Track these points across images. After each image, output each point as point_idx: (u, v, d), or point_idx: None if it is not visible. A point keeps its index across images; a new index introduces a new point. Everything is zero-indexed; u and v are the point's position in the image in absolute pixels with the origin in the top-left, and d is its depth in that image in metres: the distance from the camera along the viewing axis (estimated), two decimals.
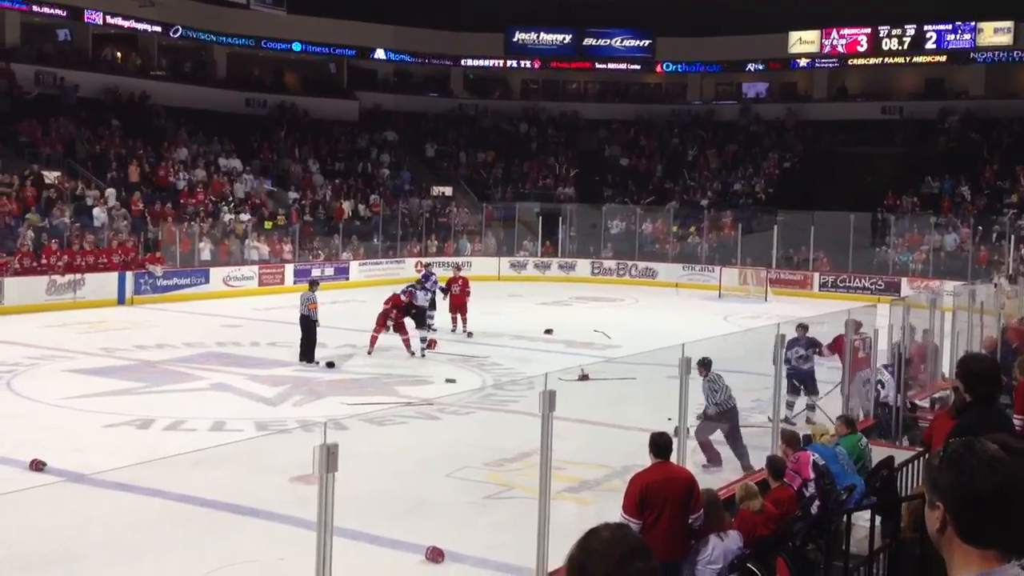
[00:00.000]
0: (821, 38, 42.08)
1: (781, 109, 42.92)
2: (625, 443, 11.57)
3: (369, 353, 17.93)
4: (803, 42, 42.49)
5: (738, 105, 44.02)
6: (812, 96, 43.32)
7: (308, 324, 17.36)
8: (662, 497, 6.50)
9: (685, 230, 36.26)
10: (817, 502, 7.75)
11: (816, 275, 32.16)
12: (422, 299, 19.76)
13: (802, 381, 13.23)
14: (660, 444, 6.78)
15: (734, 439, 10.94)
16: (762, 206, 36.54)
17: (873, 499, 8.12)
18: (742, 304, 28.21)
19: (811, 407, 13.16)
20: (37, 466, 10.30)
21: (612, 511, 6.73)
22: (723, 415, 11.13)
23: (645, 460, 6.95)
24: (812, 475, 7.85)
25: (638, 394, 14.25)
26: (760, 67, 43.63)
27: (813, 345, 13.36)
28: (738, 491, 7.37)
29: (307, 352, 17.27)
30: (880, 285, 30.56)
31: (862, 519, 7.97)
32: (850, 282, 31.44)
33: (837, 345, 13.01)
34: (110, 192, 28.84)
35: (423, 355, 17.84)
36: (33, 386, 14.90)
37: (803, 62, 42.89)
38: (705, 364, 10.88)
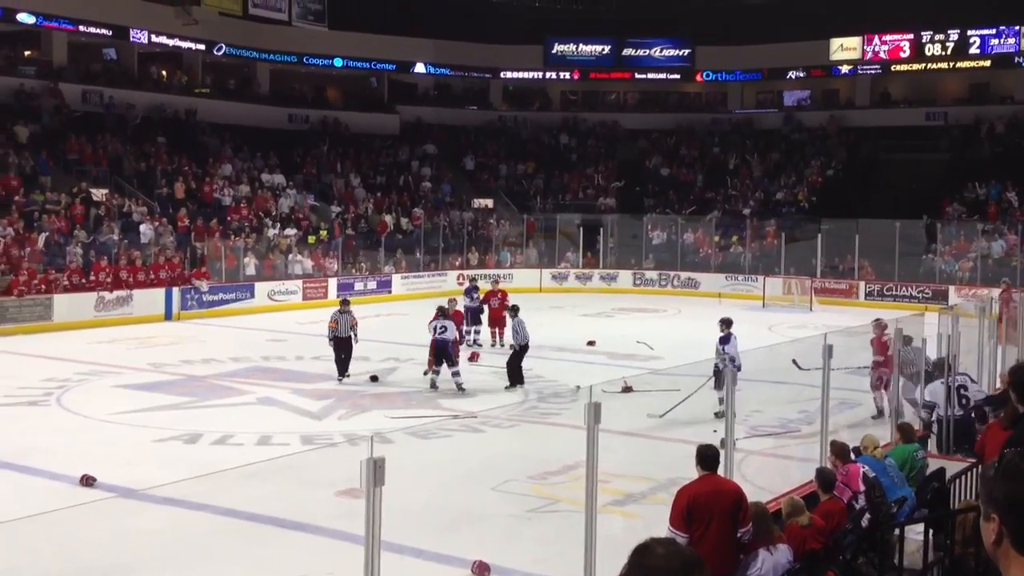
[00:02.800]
0: (863, 44, 41.67)
1: (823, 116, 42.55)
2: (670, 455, 11.50)
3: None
4: (845, 49, 42.10)
5: (779, 113, 43.73)
6: (855, 103, 42.89)
7: (345, 341, 17.28)
8: (709, 510, 6.44)
9: (727, 240, 36.00)
10: (867, 515, 7.64)
11: (862, 284, 31.77)
12: (471, 302, 21.59)
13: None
14: (707, 456, 6.72)
15: None
16: (805, 214, 36.19)
17: (925, 512, 8.00)
18: (787, 314, 27.92)
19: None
20: (87, 481, 10.44)
21: (659, 525, 6.69)
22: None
23: (691, 472, 6.89)
24: (862, 488, 7.75)
25: (682, 406, 14.16)
26: (801, 74, 43.27)
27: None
28: (784, 506, 7.28)
29: (341, 366, 17.30)
30: (927, 293, 30.14)
31: (914, 532, 7.85)
32: (897, 291, 31.03)
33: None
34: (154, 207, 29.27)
35: (462, 389, 16.37)
36: (83, 402, 15.12)
37: (845, 69, 42.48)
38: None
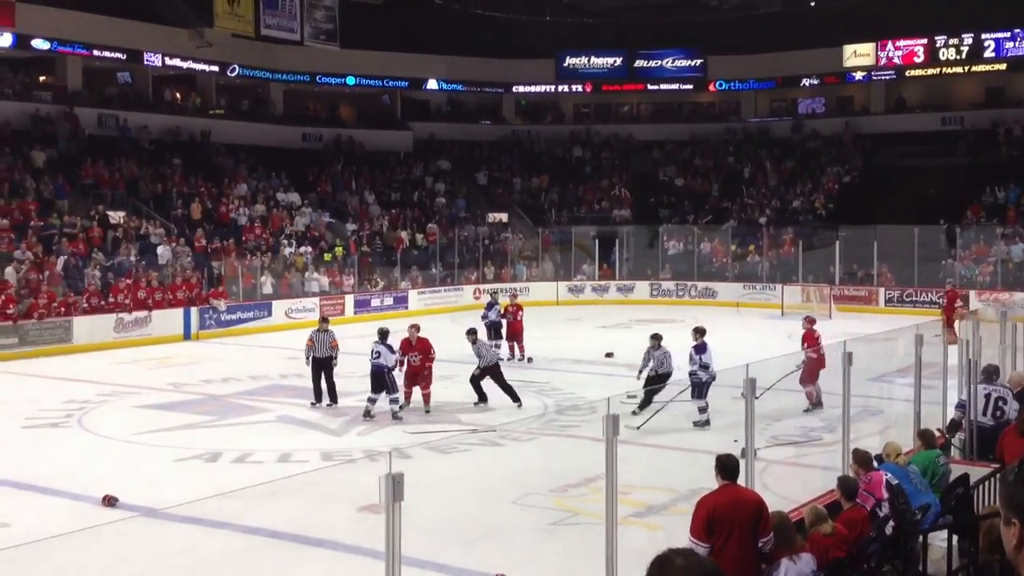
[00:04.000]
0: (877, 50, 41.59)
1: (838, 123, 42.46)
2: (691, 466, 11.46)
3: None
4: (858, 55, 42.01)
5: (794, 121, 43.64)
6: (869, 109, 42.78)
7: (327, 363, 16.28)
8: (730, 520, 6.39)
9: (744, 249, 35.90)
10: (891, 522, 7.58)
11: (881, 290, 31.60)
12: (493, 317, 21.58)
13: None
14: (727, 466, 6.67)
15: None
16: (822, 222, 36.08)
17: (949, 518, 7.93)
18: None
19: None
20: (109, 502, 10.48)
21: (681, 536, 6.64)
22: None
23: (712, 483, 6.85)
24: (885, 495, 7.68)
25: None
26: (815, 82, 43.21)
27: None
28: (807, 514, 7.22)
29: (333, 392, 16.22)
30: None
31: (939, 539, 7.78)
32: (917, 296, 30.84)
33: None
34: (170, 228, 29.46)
35: (398, 417, 15.11)
36: (104, 423, 15.19)
37: (859, 75, 42.39)
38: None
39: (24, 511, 10.45)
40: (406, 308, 31.71)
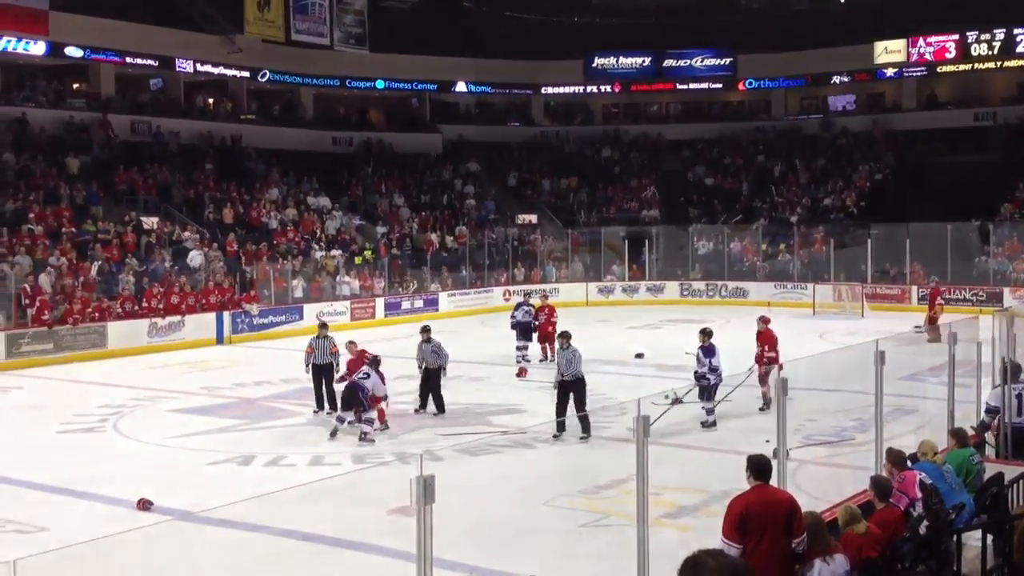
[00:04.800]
0: (908, 47, 41.22)
1: (869, 121, 42.11)
2: (722, 467, 11.39)
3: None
4: (889, 52, 41.66)
5: (824, 119, 43.32)
6: (901, 106, 42.39)
7: (329, 371, 15.95)
8: (763, 521, 6.35)
9: (775, 248, 35.68)
10: (925, 522, 7.50)
11: (914, 288, 31.29)
12: (523, 316, 21.55)
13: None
14: (759, 466, 6.63)
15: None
16: (854, 220, 35.78)
17: (984, 518, 7.84)
18: (838, 321, 27.58)
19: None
20: (144, 505, 10.60)
21: (713, 537, 6.61)
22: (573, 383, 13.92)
23: (744, 484, 6.82)
24: (919, 495, 7.61)
25: (734, 416, 14.06)
26: (846, 79, 42.89)
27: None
28: (841, 514, 7.17)
29: (318, 398, 15.96)
30: (982, 296, 29.61)
31: (973, 539, 7.69)
32: (950, 294, 30.48)
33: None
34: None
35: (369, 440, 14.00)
36: (138, 427, 15.35)
37: (890, 72, 42.03)
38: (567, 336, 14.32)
39: (61, 515, 10.59)
40: (436, 310, 31.79)
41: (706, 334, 14.94)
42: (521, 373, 19.59)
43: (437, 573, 5.53)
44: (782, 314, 29.96)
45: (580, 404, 13.87)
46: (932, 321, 23.01)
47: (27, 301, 23.10)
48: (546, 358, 21.16)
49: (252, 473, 12.39)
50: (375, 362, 14.68)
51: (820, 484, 10.33)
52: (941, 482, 7.90)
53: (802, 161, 40.98)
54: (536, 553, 9.12)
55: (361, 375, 14.17)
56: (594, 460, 12.64)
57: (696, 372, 14.74)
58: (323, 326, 16.81)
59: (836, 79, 43.07)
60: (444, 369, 16.11)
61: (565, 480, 11.80)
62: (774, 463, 7.05)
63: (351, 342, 15.97)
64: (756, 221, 37.45)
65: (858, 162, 40.00)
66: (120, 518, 10.22)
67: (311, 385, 15.90)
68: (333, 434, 14.06)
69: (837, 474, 11.09)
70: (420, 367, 16.13)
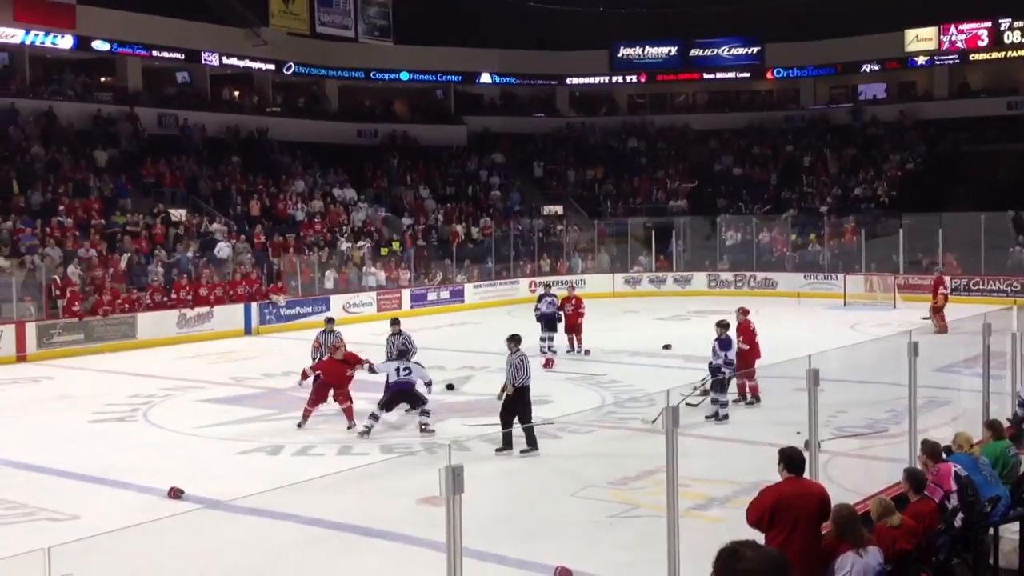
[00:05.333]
0: (939, 35, 40.75)
1: (900, 109, 41.65)
2: (752, 458, 11.32)
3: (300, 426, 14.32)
4: (920, 40, 41.19)
5: (854, 107, 42.92)
6: (932, 95, 41.91)
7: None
8: (794, 512, 6.29)
9: (805, 238, 35.41)
10: (960, 515, 7.41)
11: (947, 279, 30.89)
12: (546, 308, 21.32)
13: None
14: (793, 459, 6.56)
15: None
16: (885, 210, 35.44)
17: (1020, 510, 7.74)
18: (869, 312, 27.32)
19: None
20: (175, 494, 10.66)
21: (744, 529, 6.55)
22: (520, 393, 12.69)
23: (774, 476, 6.75)
24: (954, 487, 7.51)
25: (763, 408, 13.95)
26: (876, 68, 42.46)
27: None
28: (874, 507, 7.08)
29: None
30: (1016, 287, 29.26)
31: (1010, 531, 7.59)
32: (983, 285, 30.17)
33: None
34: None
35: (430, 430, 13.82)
36: (168, 416, 15.45)
37: (921, 60, 41.57)
38: (515, 339, 13.06)
39: (93, 504, 10.66)
40: (462, 302, 31.83)
41: (723, 326, 14.74)
42: (548, 364, 19.55)
43: (467, 562, 5.51)
44: (813, 305, 29.85)
45: (526, 416, 12.66)
46: (937, 311, 22.97)
47: (57, 292, 23.32)
48: (573, 349, 21.13)
49: (281, 462, 12.43)
50: (405, 353, 14.75)
51: (853, 476, 10.23)
52: (976, 474, 7.80)
53: (832, 151, 40.62)
54: (564, 543, 9.09)
55: (403, 370, 13.92)
56: (622, 451, 12.58)
57: (711, 364, 14.57)
58: (330, 320, 16.80)
59: (866, 67, 42.65)
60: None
61: (593, 471, 11.76)
62: (806, 455, 6.97)
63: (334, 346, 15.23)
64: (785, 211, 37.17)
65: (889, 151, 39.61)
66: (151, 506, 10.28)
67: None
68: (367, 431, 13.55)
69: (870, 466, 10.98)
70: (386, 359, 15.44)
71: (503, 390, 12.87)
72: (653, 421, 13.06)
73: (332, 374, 14.37)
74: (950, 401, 13.16)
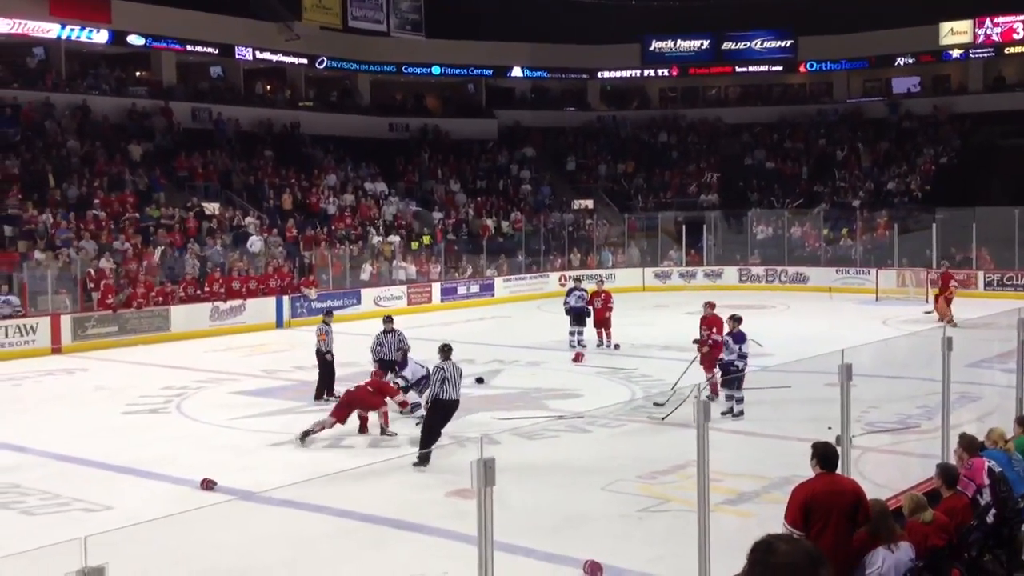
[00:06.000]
0: (974, 28, 40.24)
1: (934, 103, 41.20)
2: (783, 453, 11.26)
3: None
4: (955, 33, 40.69)
5: (888, 101, 42.49)
6: (967, 88, 41.40)
7: (318, 357, 16.02)
8: (828, 509, 6.25)
9: (837, 232, 35.12)
10: (993, 510, 7.33)
11: (981, 274, 30.61)
12: (576, 302, 21.22)
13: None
14: (826, 455, 6.51)
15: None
16: (919, 204, 35.08)
17: None
18: (902, 307, 27.08)
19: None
20: (208, 485, 10.77)
21: (774, 523, 6.53)
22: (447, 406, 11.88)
23: (805, 471, 6.72)
24: (987, 482, 7.43)
25: (794, 403, 13.86)
26: (910, 61, 42.01)
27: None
28: (906, 502, 7.03)
29: (320, 387, 15.74)
30: None
31: None
32: (1018, 280, 29.80)
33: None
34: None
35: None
36: (201, 408, 15.59)
37: (956, 54, 41.09)
38: (445, 350, 12.18)
39: (126, 494, 10.78)
40: (492, 295, 31.87)
41: (735, 320, 14.49)
42: (578, 358, 19.54)
43: (497, 555, 5.54)
44: (844, 300, 29.60)
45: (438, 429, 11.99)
46: (948, 303, 23.67)
47: (92, 285, 23.61)
48: (602, 343, 21.10)
49: (312, 454, 12.52)
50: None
51: (884, 471, 10.16)
52: (1010, 470, 7.72)
53: (865, 144, 40.25)
54: (594, 537, 9.09)
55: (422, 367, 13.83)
56: (652, 445, 12.57)
57: (722, 359, 14.39)
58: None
59: (900, 61, 42.20)
60: (404, 361, 15.22)
61: (623, 465, 11.74)
62: (838, 450, 6.93)
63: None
64: (817, 205, 36.89)
65: (923, 145, 39.20)
66: (184, 497, 10.40)
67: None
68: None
69: (902, 462, 10.91)
70: (375, 359, 15.50)
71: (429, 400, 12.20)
72: (662, 409, 13.24)
73: (361, 401, 13.42)
74: (982, 397, 13.04)
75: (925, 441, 10.69)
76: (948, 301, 23.94)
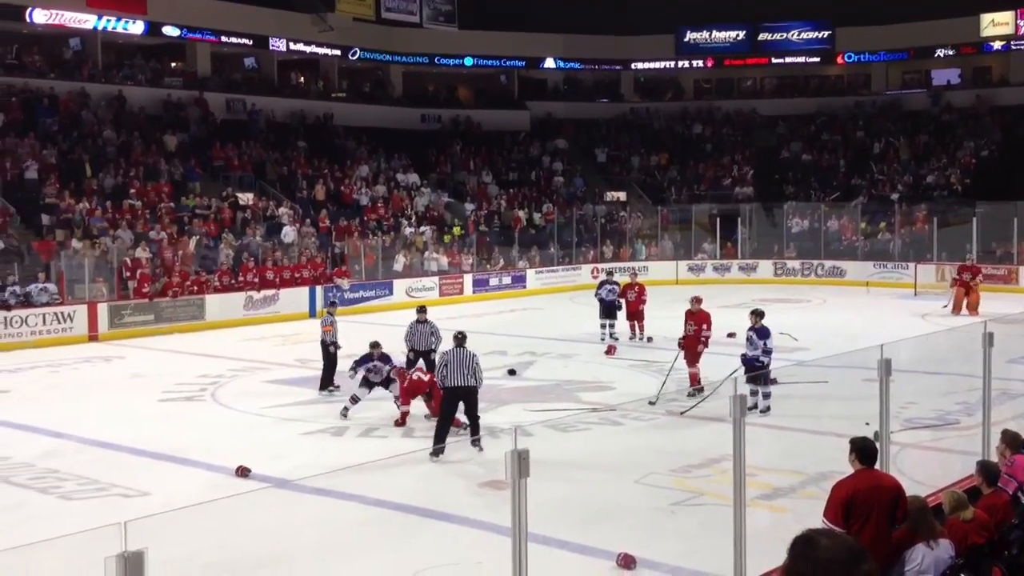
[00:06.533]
0: (1016, 19, 39.58)
1: (974, 95, 40.60)
2: (819, 449, 11.16)
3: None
4: (996, 24, 40.06)
5: (927, 93, 41.94)
6: (1009, 80, 40.75)
7: (323, 348, 16.16)
8: (868, 506, 6.16)
9: (875, 226, 34.73)
10: None
11: (1022, 269, 30.15)
12: (607, 295, 21.15)
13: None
14: (865, 450, 6.42)
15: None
16: (958, 198, 34.59)
17: None
18: (941, 302, 26.70)
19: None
20: (243, 472, 10.83)
21: (810, 519, 6.45)
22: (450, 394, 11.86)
23: (842, 466, 6.63)
24: None
25: (831, 399, 13.72)
26: (950, 52, 41.43)
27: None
28: (946, 500, 6.93)
29: (324, 379, 15.84)
30: None
31: None
32: None
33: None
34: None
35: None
36: (235, 397, 15.70)
37: (997, 45, 40.48)
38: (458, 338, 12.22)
39: (163, 481, 10.87)
40: (524, 287, 31.85)
41: (757, 315, 14.19)
42: (610, 351, 19.47)
43: (530, 547, 5.51)
44: (882, 294, 29.29)
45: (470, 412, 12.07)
46: (967, 294, 24.80)
47: (128, 274, 23.84)
48: (635, 336, 21.02)
49: (345, 443, 12.57)
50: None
51: (923, 468, 10.03)
52: None
53: (904, 137, 39.76)
54: (626, 530, 9.05)
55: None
56: (686, 439, 12.48)
57: (745, 355, 14.10)
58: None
59: (940, 52, 41.64)
60: (435, 351, 15.19)
61: (656, 458, 11.68)
62: (876, 446, 6.84)
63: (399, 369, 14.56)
64: (855, 199, 36.50)
65: (963, 138, 38.64)
66: (219, 484, 10.47)
67: (404, 359, 15.84)
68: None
69: (941, 458, 10.77)
70: (409, 349, 15.58)
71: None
72: (654, 407, 13.23)
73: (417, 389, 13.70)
74: (1022, 394, 12.83)
75: (965, 438, 10.54)
76: (967, 292, 24.56)
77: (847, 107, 42.44)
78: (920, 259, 31.27)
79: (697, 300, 15.86)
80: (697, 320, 15.41)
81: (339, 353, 16.03)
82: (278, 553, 8.57)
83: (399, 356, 15.60)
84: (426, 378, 13.52)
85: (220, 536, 8.36)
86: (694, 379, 14.87)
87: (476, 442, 11.77)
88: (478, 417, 12.09)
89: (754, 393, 13.41)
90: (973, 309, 24.30)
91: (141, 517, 4.24)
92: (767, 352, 13.85)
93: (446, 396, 11.96)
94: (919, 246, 32.35)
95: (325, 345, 16.10)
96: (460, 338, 12.28)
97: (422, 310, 16.30)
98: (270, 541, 8.66)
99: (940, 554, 6.23)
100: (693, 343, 15.21)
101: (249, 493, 9.28)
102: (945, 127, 39.85)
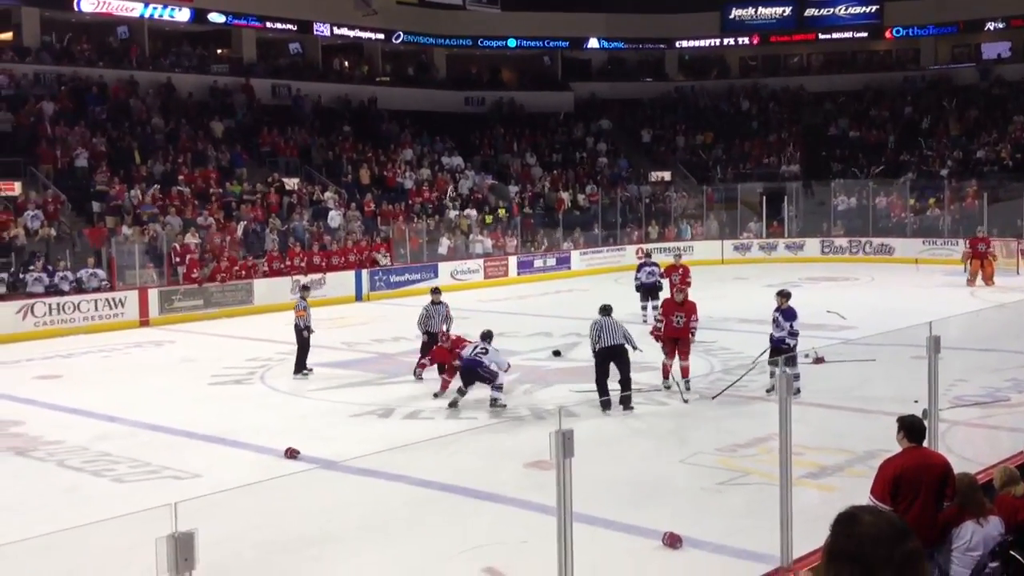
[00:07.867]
0: None
1: None
2: (867, 427, 11.06)
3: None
4: None
5: (977, 67, 41.08)
6: None
7: (296, 332, 16.19)
8: (916, 484, 6.12)
9: (924, 203, 34.19)
10: None
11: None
12: (647, 278, 21.07)
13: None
14: (914, 428, 6.37)
15: None
16: (1009, 173, 33.91)
17: None
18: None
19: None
20: (292, 454, 10.99)
21: (857, 498, 6.40)
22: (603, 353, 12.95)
23: (890, 445, 6.58)
24: None
25: (879, 376, 13.58)
26: (1001, 26, 40.50)
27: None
28: (997, 475, 6.85)
29: (298, 362, 15.99)
30: None
31: None
32: None
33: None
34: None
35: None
36: (283, 380, 15.89)
37: None
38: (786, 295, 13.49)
39: (214, 463, 11.05)
40: (568, 268, 31.82)
41: (784, 296, 13.80)
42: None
43: (575, 526, 5.54)
44: (931, 271, 28.85)
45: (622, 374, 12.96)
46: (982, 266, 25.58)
47: (178, 259, 24.19)
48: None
49: (392, 425, 12.69)
50: (487, 336, 13.96)
51: (973, 445, 9.92)
52: None
53: (953, 112, 39.03)
54: (672, 509, 9.05)
55: (479, 350, 13.58)
56: (731, 418, 12.43)
57: (773, 336, 13.67)
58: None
59: (990, 25, 40.73)
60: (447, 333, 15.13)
61: (702, 438, 11.66)
62: (924, 424, 6.78)
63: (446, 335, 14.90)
64: (903, 175, 35.93)
65: (1013, 112, 37.82)
66: (268, 465, 10.62)
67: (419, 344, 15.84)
68: (453, 404, 13.33)
69: (991, 435, 10.62)
70: (422, 330, 15.68)
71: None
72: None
73: (439, 357, 14.40)
74: None
75: (1016, 415, 10.39)
76: (982, 264, 25.53)
77: (895, 82, 41.73)
78: (970, 235, 30.69)
79: (684, 293, 15.06)
80: (686, 310, 14.45)
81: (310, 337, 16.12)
82: (326, 533, 8.69)
83: (414, 341, 15.74)
84: (447, 346, 14.15)
85: (269, 516, 8.50)
86: (666, 371, 14.12)
87: (626, 400, 12.63)
88: (630, 377, 12.94)
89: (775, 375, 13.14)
90: (989, 280, 25.23)
91: (191, 498, 4.33)
92: (793, 334, 13.43)
93: (600, 357, 12.99)
94: (969, 222, 31.74)
95: (299, 330, 16.16)
96: (607, 309, 13.35)
97: (436, 291, 16.49)
98: (318, 521, 8.79)
99: (990, 531, 6.17)
100: (683, 333, 14.26)
101: (298, 474, 9.42)
102: (995, 101, 39.03)
